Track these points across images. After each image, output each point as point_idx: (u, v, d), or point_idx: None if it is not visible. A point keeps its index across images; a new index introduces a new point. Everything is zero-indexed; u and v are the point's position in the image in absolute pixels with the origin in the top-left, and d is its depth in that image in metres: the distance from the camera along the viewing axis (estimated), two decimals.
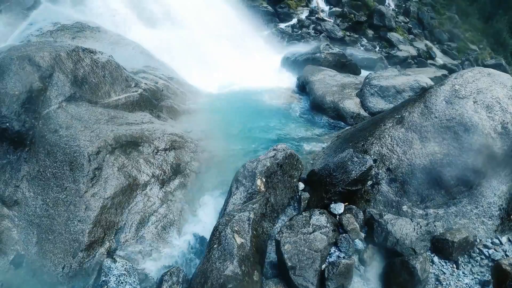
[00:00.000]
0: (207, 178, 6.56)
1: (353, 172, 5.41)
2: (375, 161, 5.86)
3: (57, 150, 5.48)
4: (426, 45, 21.39)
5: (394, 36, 20.21)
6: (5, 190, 5.31)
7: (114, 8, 11.86)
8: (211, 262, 4.40)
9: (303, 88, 11.11)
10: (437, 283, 4.67)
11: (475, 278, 4.74)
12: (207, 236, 5.12)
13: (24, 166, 5.45)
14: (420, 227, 5.02)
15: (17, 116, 5.47)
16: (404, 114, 6.21)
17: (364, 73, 12.81)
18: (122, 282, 4.72)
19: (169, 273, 4.71)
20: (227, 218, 4.81)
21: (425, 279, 4.58)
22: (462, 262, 4.91)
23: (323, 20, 19.83)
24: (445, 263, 4.88)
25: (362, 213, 5.38)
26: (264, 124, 8.82)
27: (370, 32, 20.30)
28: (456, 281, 4.69)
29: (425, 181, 5.52)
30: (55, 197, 5.27)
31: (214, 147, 7.24)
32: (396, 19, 22.26)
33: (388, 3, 23.82)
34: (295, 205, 5.82)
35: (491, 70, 6.42)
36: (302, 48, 14.01)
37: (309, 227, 4.91)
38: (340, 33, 19.03)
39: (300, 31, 18.82)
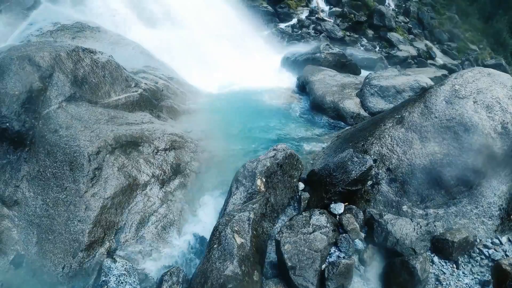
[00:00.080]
0: (207, 178, 6.56)
1: (353, 172, 5.42)
2: (375, 161, 5.86)
3: (57, 150, 5.49)
4: (426, 45, 21.40)
5: (394, 36, 20.22)
6: (5, 190, 5.31)
7: (114, 8, 11.86)
8: (211, 262, 4.40)
9: (303, 88, 11.11)
10: (437, 283, 4.67)
11: (475, 278, 4.74)
12: (207, 236, 5.12)
13: (24, 166, 5.45)
14: (420, 227, 5.02)
15: (17, 116, 5.47)
16: (404, 114, 6.21)
17: (364, 73, 12.81)
18: (122, 282, 4.72)
19: (169, 273, 4.71)
20: (227, 218, 4.81)
21: (425, 279, 4.58)
22: (462, 262, 4.91)
23: (323, 20, 19.83)
24: (445, 263, 4.88)
25: (362, 213, 5.38)
26: (264, 124, 8.82)
27: (370, 32, 20.30)
28: (456, 281, 4.69)
29: (425, 181, 5.52)
30: (55, 197, 5.27)
31: (214, 147, 7.24)
32: (396, 19, 22.26)
33: (388, 3, 23.82)
34: (295, 205, 5.82)
35: (491, 70, 6.42)
36: (302, 48, 14.01)
37: (309, 227, 4.91)
38: (340, 33, 19.03)
39: (300, 31, 18.82)
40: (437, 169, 5.48)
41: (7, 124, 5.41)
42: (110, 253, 5.10)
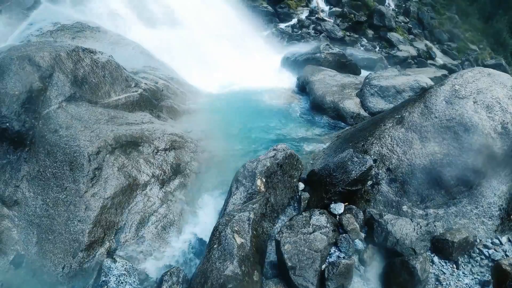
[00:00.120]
0: (207, 178, 6.56)
1: (353, 172, 5.41)
2: (375, 161, 5.86)
3: (57, 150, 5.49)
4: (426, 45, 21.40)
5: (394, 36, 20.22)
6: (5, 190, 5.31)
7: (114, 8, 11.86)
8: (211, 262, 4.40)
9: (303, 88, 11.11)
10: (437, 283, 4.67)
11: (475, 278, 4.74)
12: (207, 236, 5.12)
13: (24, 166, 5.45)
14: (420, 227, 5.02)
15: (17, 116, 5.47)
16: (404, 114, 6.21)
17: (364, 73, 12.82)
18: (122, 282, 4.72)
19: (169, 273, 4.71)
20: (227, 218, 4.81)
21: (425, 279, 4.58)
22: (462, 262, 4.91)
23: (323, 20, 19.84)
24: (445, 263, 4.88)
25: (362, 213, 5.38)
26: (264, 124, 8.82)
27: (370, 32, 20.30)
28: (456, 281, 4.69)
29: (425, 181, 5.52)
30: (55, 197, 5.27)
31: (214, 147, 7.24)
32: (396, 19, 22.27)
33: (388, 3, 23.83)
34: (295, 205, 5.81)
35: (491, 70, 6.42)
36: (302, 48, 14.00)
37: (309, 227, 4.91)
38: (340, 33, 19.04)
39: (300, 31, 18.82)
40: (437, 169, 5.48)
41: (7, 124, 5.41)
42: (110, 253, 5.10)
